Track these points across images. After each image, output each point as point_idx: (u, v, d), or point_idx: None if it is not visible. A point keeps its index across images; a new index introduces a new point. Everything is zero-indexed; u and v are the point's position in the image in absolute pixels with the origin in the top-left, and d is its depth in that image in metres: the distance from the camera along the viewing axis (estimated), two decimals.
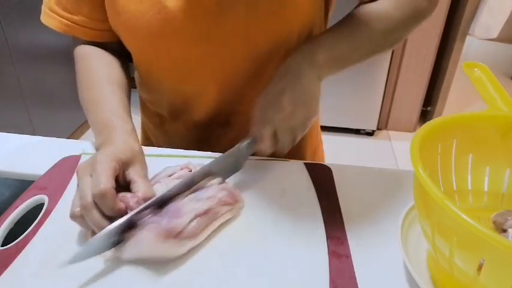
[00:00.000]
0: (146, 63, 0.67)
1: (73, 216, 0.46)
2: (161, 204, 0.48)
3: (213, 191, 0.51)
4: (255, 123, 0.56)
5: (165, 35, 0.60)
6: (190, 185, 0.51)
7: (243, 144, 0.56)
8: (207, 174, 0.53)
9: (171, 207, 0.48)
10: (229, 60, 0.63)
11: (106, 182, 0.45)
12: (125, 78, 0.66)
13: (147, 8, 0.58)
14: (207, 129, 0.73)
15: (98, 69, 0.64)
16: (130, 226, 0.45)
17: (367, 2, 0.62)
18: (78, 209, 0.46)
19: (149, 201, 0.47)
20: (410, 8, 0.60)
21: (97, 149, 0.56)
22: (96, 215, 0.45)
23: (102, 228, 0.44)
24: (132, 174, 0.50)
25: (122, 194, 0.48)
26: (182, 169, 0.56)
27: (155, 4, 0.57)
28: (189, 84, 0.67)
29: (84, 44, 0.67)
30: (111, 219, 0.45)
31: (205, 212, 0.48)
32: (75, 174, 0.58)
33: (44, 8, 0.64)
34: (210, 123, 0.72)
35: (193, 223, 0.46)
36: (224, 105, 0.69)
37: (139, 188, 0.49)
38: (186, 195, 0.50)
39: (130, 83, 0.68)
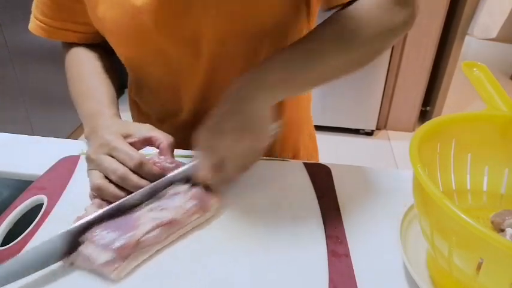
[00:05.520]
0: (130, 66, 0.68)
1: (97, 188, 0.49)
2: (116, 213, 0.47)
3: (181, 201, 0.49)
4: (198, 149, 0.52)
5: (141, 40, 0.60)
6: (152, 194, 0.50)
7: (183, 169, 0.53)
8: (169, 183, 0.52)
9: (125, 220, 0.46)
10: (205, 59, 0.62)
11: (137, 154, 0.50)
12: (113, 70, 0.67)
13: (122, 14, 0.57)
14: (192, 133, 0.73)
15: (86, 62, 0.66)
16: (83, 231, 0.45)
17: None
18: (100, 180, 0.49)
19: (105, 209, 0.46)
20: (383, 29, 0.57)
21: (86, 138, 0.57)
22: (135, 178, 0.49)
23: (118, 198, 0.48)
24: (139, 134, 0.54)
25: (152, 160, 0.52)
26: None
27: (129, 10, 0.57)
28: (169, 85, 0.67)
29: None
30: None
31: (169, 223, 0.46)
32: (74, 174, 0.59)
33: (31, 15, 0.67)
34: (195, 127, 0.72)
35: (154, 233, 0.45)
36: (205, 107, 0.68)
37: (158, 138, 0.54)
38: (147, 204, 0.49)
39: (120, 76, 0.69)
